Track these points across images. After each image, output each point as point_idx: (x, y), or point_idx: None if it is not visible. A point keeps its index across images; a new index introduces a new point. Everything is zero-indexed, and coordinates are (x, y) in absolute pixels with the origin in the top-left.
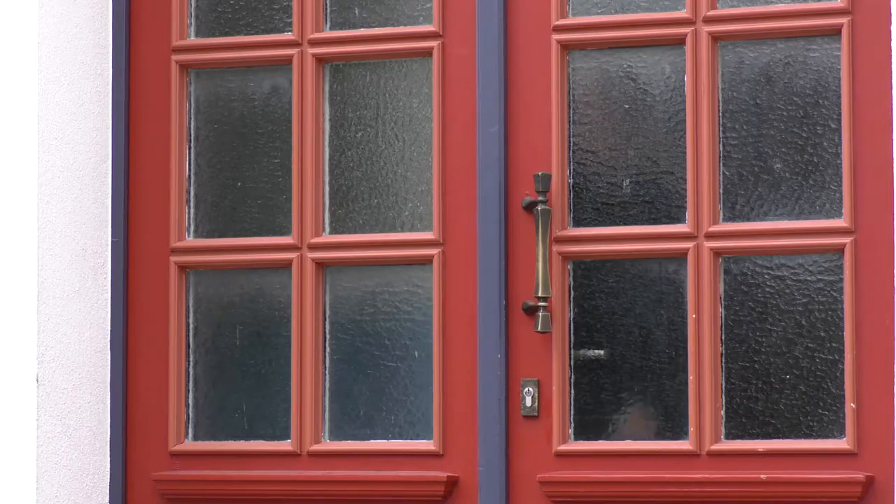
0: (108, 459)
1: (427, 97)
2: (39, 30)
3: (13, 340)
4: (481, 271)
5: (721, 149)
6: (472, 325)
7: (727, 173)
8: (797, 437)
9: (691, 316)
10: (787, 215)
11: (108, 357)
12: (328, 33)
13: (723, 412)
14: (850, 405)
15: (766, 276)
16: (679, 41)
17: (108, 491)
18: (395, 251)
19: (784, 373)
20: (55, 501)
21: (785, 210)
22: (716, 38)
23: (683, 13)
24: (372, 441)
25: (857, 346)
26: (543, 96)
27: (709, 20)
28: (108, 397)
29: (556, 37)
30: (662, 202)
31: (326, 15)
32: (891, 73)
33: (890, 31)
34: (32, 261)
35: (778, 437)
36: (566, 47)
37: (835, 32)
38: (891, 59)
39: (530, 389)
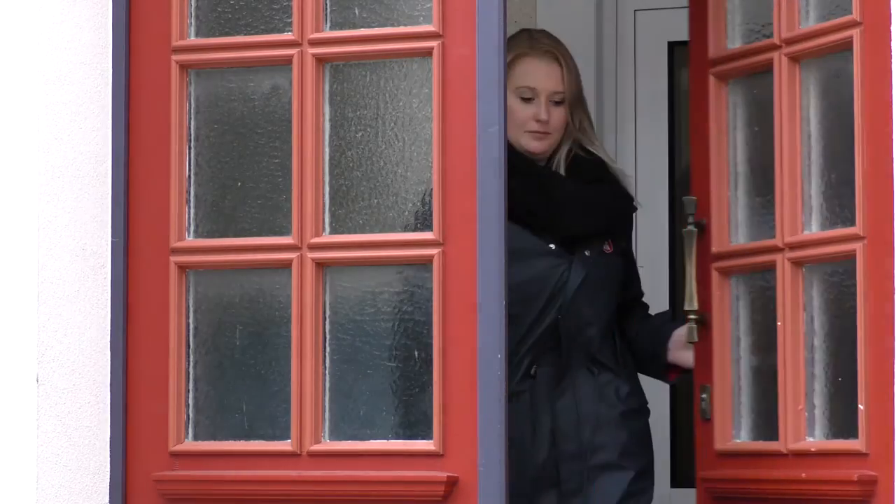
0: (108, 459)
1: (427, 97)
2: (39, 30)
3: (13, 340)
4: (481, 271)
5: None
6: (472, 325)
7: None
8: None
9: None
10: None
11: (108, 357)
12: (328, 33)
13: None
14: (859, 407)
15: None
16: None
17: (107, 491)
18: (395, 251)
19: None
20: (55, 501)
21: None
22: None
23: None
24: (372, 441)
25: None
26: None
27: None
28: (108, 397)
29: None
30: None
31: (326, 15)
32: (891, 73)
33: (890, 31)
34: (32, 261)
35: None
36: None
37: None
38: (891, 59)
39: None
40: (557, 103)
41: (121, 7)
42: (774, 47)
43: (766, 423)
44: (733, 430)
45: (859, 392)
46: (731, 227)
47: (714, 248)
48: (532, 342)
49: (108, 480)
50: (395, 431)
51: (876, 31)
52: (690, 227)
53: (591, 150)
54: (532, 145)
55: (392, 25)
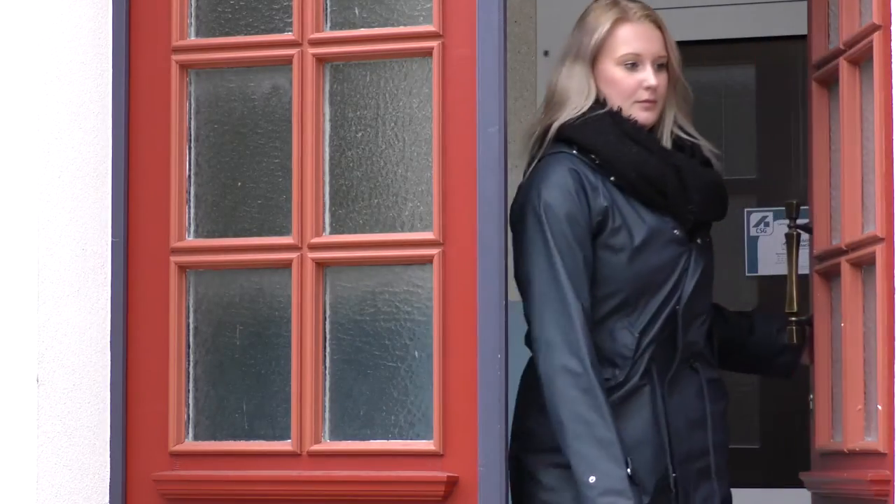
0: (108, 459)
1: (427, 97)
2: (39, 30)
3: (13, 340)
4: (481, 271)
5: None
6: (472, 325)
7: None
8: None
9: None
10: None
11: (108, 357)
12: (328, 33)
13: None
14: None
15: None
16: None
17: (108, 491)
18: (395, 251)
19: None
20: (55, 501)
21: None
22: None
23: None
24: (372, 441)
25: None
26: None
27: None
28: (108, 397)
29: None
30: None
31: (326, 15)
32: (891, 73)
33: (890, 31)
34: (32, 261)
35: None
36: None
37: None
38: (891, 59)
39: None
40: (661, 67)
41: (121, 7)
42: (840, 52)
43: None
44: (832, 430)
45: (878, 392)
46: (832, 231)
47: (815, 251)
48: (653, 335)
49: (108, 480)
50: (395, 431)
51: (885, 33)
52: (791, 230)
53: (684, 126)
54: (642, 116)
55: (392, 25)
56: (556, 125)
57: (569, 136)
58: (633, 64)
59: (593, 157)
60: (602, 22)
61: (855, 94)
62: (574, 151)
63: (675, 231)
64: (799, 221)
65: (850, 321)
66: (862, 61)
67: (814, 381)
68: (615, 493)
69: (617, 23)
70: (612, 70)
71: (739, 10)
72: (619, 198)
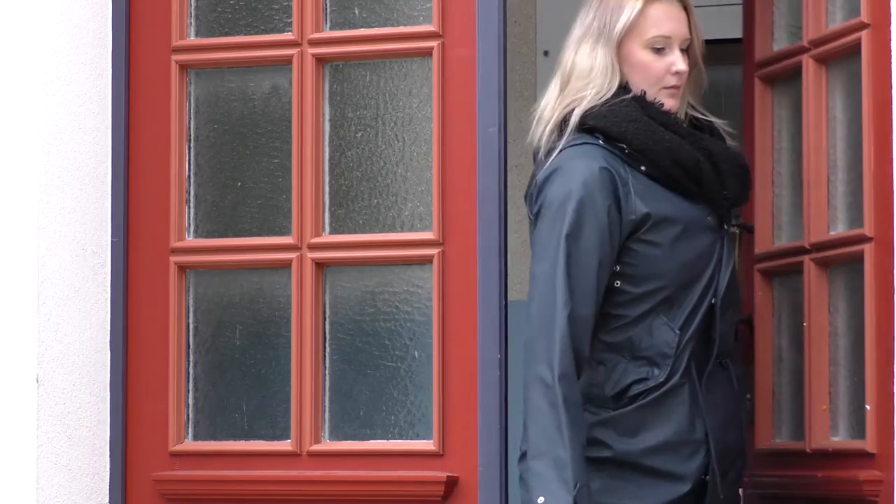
0: (108, 459)
1: (427, 97)
2: (39, 30)
3: (13, 340)
4: (481, 271)
5: None
6: (472, 325)
7: None
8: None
9: None
10: None
11: (108, 357)
12: (328, 33)
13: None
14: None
15: None
16: None
17: (108, 491)
18: (395, 251)
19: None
20: (55, 501)
21: None
22: None
23: None
24: (372, 441)
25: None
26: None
27: None
28: (108, 397)
29: None
30: None
31: (326, 15)
32: (891, 73)
33: (890, 32)
34: (32, 261)
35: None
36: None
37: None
38: (891, 59)
39: None
40: (683, 51)
41: (121, 7)
42: (803, 50)
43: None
44: (774, 431)
45: (868, 392)
46: (775, 229)
47: (756, 250)
48: (692, 330)
49: (108, 480)
50: (395, 431)
51: (879, 32)
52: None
53: (696, 106)
54: (669, 103)
55: (392, 25)
56: (578, 111)
57: (595, 126)
58: (660, 48)
59: (623, 146)
60: (630, 0)
61: (821, 92)
62: (600, 141)
63: (709, 218)
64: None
65: (813, 321)
66: (831, 60)
67: (755, 381)
68: None
69: (648, 3)
70: (640, 53)
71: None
72: (653, 190)
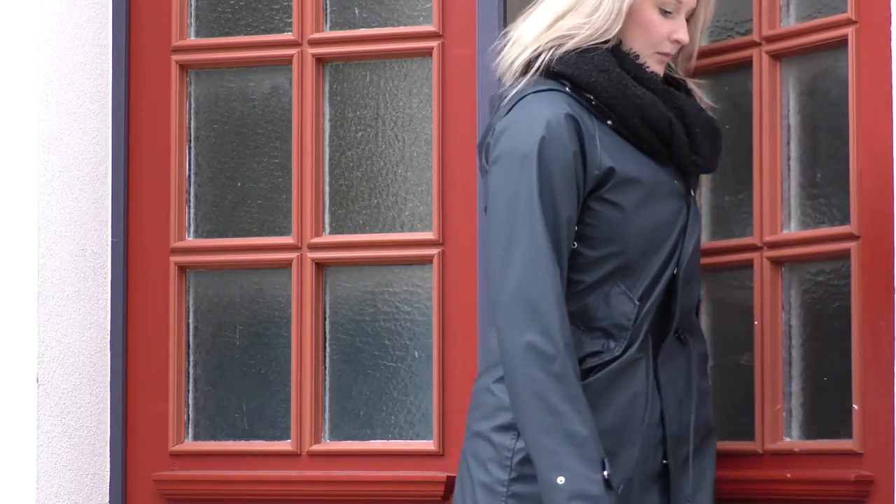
0: (108, 459)
1: (427, 97)
2: (39, 30)
3: (13, 340)
4: (481, 271)
5: None
6: (472, 325)
7: None
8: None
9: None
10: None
11: (108, 357)
12: (328, 33)
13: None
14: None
15: None
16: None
17: (108, 491)
18: (395, 251)
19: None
20: (55, 501)
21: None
22: None
23: None
24: (372, 441)
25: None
26: None
27: None
28: (108, 397)
29: None
30: None
31: (326, 15)
32: (891, 73)
33: (890, 32)
34: (32, 261)
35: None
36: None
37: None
38: (891, 59)
39: None
40: (686, 21)
41: (121, 7)
42: (754, 44)
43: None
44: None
45: (854, 392)
46: (717, 225)
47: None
48: (652, 301)
49: (108, 480)
50: (395, 431)
51: (874, 29)
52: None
53: (675, 68)
54: (657, 68)
55: (392, 25)
56: (550, 54)
57: (562, 72)
58: (668, 11)
59: (591, 97)
60: None
61: (776, 90)
62: (567, 89)
63: (676, 183)
64: None
65: (767, 320)
66: (786, 57)
67: None
68: (586, 499)
69: None
70: (649, 11)
71: None
72: (620, 146)
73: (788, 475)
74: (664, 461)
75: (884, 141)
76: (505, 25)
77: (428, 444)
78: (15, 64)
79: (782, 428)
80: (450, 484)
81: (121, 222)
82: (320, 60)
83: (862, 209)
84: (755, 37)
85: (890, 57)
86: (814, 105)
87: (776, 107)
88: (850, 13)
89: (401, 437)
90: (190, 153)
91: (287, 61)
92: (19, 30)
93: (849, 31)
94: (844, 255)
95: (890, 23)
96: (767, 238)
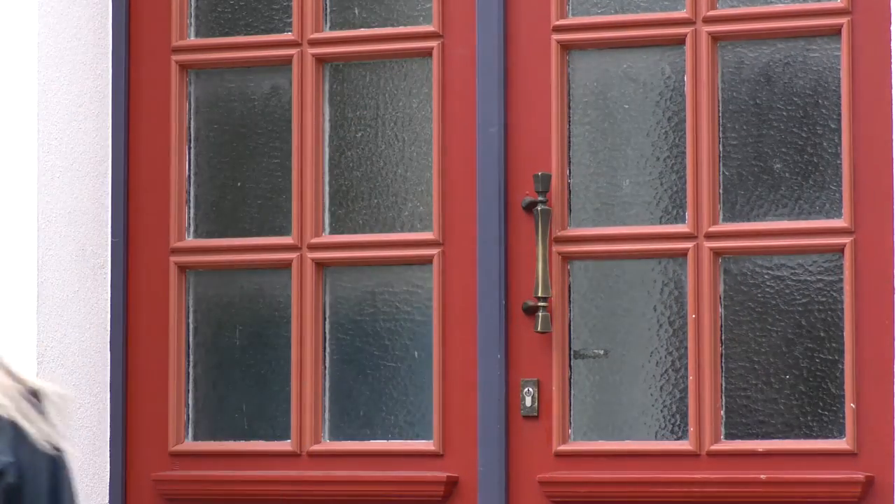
0: (108, 459)
1: (427, 97)
2: (39, 30)
3: (13, 340)
4: (481, 271)
5: (721, 149)
6: (472, 325)
7: (727, 173)
8: (796, 437)
9: (691, 316)
10: (787, 215)
11: (108, 357)
12: (328, 33)
13: (723, 412)
14: (850, 405)
15: (765, 277)
16: (679, 41)
17: (108, 491)
18: (395, 251)
19: (783, 373)
20: None
21: (784, 210)
22: (715, 38)
23: (683, 13)
24: (372, 441)
25: (857, 346)
26: (543, 96)
27: (708, 20)
28: (108, 397)
29: (555, 37)
30: (662, 202)
31: (326, 15)
32: (891, 73)
33: (890, 31)
34: (32, 261)
35: (777, 437)
36: (566, 47)
37: (835, 32)
38: (890, 58)
39: (530, 389)
40: None
41: (121, 7)
42: (689, 22)
43: (609, 421)
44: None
45: (847, 392)
46: (581, 211)
47: (560, 232)
48: None
49: (108, 480)
50: (395, 431)
51: (872, 21)
52: (543, 207)
53: None
54: None
55: (392, 25)
56: None
57: None
58: None
59: None
60: None
61: (714, 71)
62: None
63: None
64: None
65: (705, 314)
66: (723, 40)
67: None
68: None
69: None
70: None
71: None
72: None
73: (763, 477)
74: None
75: (883, 137)
76: (505, 26)
77: (428, 444)
78: (15, 64)
79: (721, 428)
80: (450, 484)
81: (121, 222)
82: (320, 60)
83: (858, 204)
84: (689, 14)
85: (890, 55)
86: (772, 92)
87: (714, 91)
88: (843, 3)
89: (401, 437)
90: (190, 153)
91: (287, 61)
92: (19, 30)
93: (843, 21)
94: (832, 250)
95: (889, 23)
96: (708, 229)
